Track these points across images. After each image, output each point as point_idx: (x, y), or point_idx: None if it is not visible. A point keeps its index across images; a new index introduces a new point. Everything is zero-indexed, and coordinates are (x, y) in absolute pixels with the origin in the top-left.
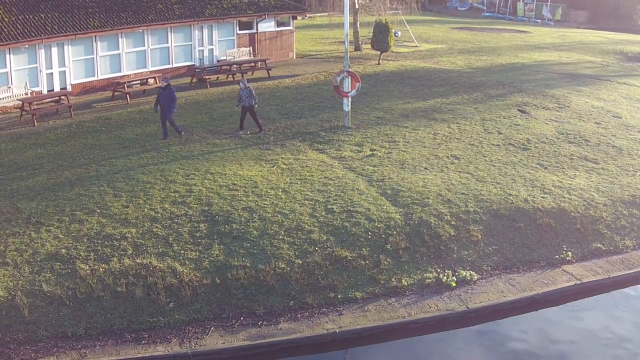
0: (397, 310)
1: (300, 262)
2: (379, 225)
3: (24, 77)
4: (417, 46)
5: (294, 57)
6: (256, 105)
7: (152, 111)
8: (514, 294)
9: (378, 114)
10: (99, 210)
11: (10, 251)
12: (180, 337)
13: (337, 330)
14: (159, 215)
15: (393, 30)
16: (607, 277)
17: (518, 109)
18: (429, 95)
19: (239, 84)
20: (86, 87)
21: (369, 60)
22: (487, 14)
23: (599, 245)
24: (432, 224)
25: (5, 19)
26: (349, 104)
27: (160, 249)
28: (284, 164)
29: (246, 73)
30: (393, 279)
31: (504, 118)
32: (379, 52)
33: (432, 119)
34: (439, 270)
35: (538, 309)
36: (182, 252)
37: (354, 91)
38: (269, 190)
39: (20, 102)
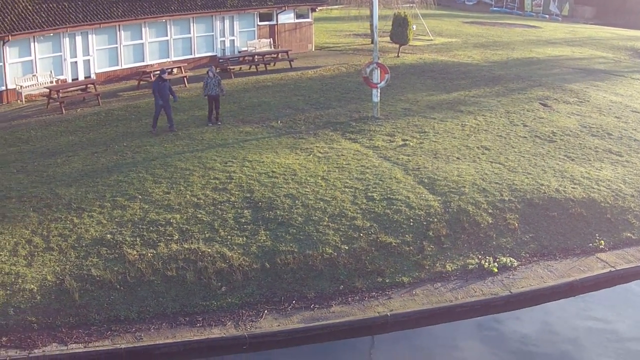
0: (444, 294)
1: (347, 247)
2: (419, 213)
3: (49, 66)
4: (431, 39)
5: (313, 49)
6: (223, 95)
7: (175, 101)
8: (553, 280)
9: (404, 105)
10: (140, 197)
11: (53, 236)
12: (235, 320)
13: (388, 313)
14: (202, 201)
15: (413, 26)
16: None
17: (540, 103)
18: (451, 88)
19: (207, 72)
20: (110, 76)
21: (387, 53)
22: (494, 8)
23: (629, 234)
24: (471, 212)
25: (29, 7)
26: (378, 94)
27: (207, 235)
28: (320, 152)
29: (269, 64)
30: (437, 265)
31: (527, 111)
32: (396, 45)
33: (458, 111)
34: (480, 256)
35: (577, 295)
36: (229, 237)
37: (383, 82)
38: (308, 178)
39: (47, 90)
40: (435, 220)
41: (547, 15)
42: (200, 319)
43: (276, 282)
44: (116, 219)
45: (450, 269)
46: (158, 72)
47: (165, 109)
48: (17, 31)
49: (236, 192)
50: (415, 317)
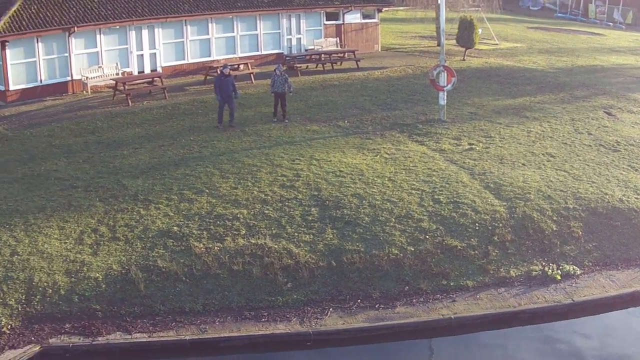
0: (507, 299)
1: (413, 249)
2: (485, 217)
3: (115, 58)
4: (497, 44)
5: (379, 50)
6: (290, 93)
7: (236, 97)
8: (615, 290)
9: (470, 109)
10: (207, 191)
11: (120, 226)
12: (300, 317)
13: (452, 316)
14: (269, 198)
15: (479, 30)
16: None
17: (604, 111)
18: (516, 93)
19: (274, 70)
20: (176, 70)
21: (453, 56)
22: (559, 14)
23: None
24: (535, 219)
25: None
26: (445, 97)
27: (274, 231)
28: (387, 153)
29: (335, 63)
30: (501, 270)
31: (592, 119)
32: (462, 48)
33: (523, 117)
34: (543, 263)
35: (638, 305)
36: (296, 234)
37: (449, 85)
38: (375, 179)
39: (113, 82)
40: (501, 225)
41: (610, 23)
42: (265, 314)
43: (342, 281)
44: (183, 212)
45: (514, 275)
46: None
47: (228, 104)
48: (82, 23)
49: (303, 190)
50: (478, 321)
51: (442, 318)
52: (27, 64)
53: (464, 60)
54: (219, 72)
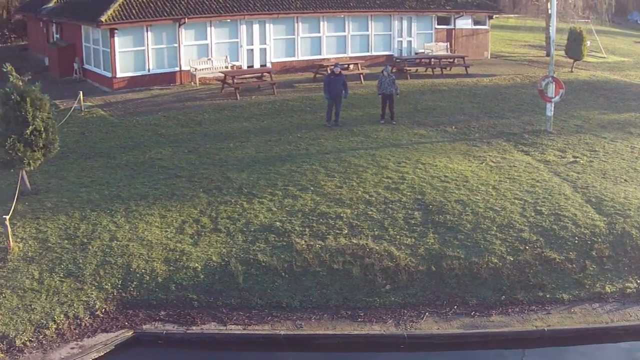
0: (601, 315)
1: (512, 258)
2: (584, 232)
3: (225, 51)
4: (604, 57)
5: (489, 57)
6: (397, 95)
7: (345, 97)
8: None
9: (576, 121)
10: (312, 188)
11: (222, 219)
12: (395, 319)
13: (545, 328)
14: (373, 199)
15: (588, 42)
16: None
17: None
18: (622, 108)
19: (382, 71)
20: (286, 66)
21: (561, 67)
22: None
23: None
24: (634, 236)
25: None
26: (552, 109)
27: (376, 232)
28: (492, 161)
29: (445, 68)
30: (597, 285)
31: None
32: (570, 60)
33: (628, 132)
34: (639, 281)
35: None
36: (397, 237)
37: (557, 97)
38: (479, 186)
39: (222, 75)
40: (599, 240)
41: None
42: (362, 314)
43: (440, 286)
44: (286, 208)
45: (609, 291)
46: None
47: (335, 103)
48: (193, 14)
49: (408, 193)
50: (570, 334)
51: (535, 329)
52: (136, 52)
53: (571, 71)
54: (329, 71)
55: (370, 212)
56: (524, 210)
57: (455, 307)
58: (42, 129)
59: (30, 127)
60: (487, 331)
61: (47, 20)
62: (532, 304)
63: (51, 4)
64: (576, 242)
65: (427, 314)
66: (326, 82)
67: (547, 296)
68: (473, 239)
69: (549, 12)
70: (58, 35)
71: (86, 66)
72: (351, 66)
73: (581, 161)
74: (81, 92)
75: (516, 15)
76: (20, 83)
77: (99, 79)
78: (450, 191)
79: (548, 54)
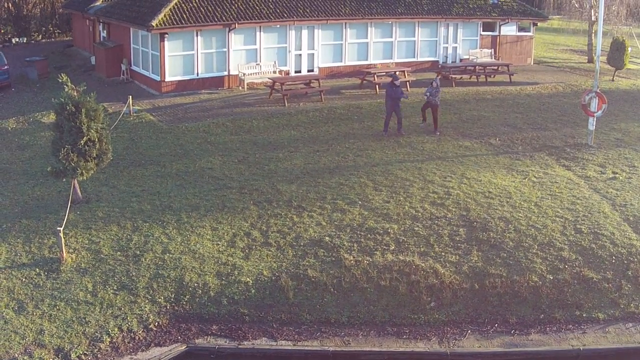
0: (634, 335)
1: (551, 277)
2: (622, 251)
3: (273, 56)
4: None
5: (532, 63)
6: (405, 98)
7: (405, 98)
8: None
9: (616, 135)
10: (360, 202)
11: (272, 232)
12: (439, 336)
13: (581, 347)
14: (420, 214)
15: (629, 48)
16: None
17: None
18: None
19: (432, 83)
20: (333, 72)
21: (602, 75)
22: None
23: None
24: None
25: None
26: (594, 123)
27: (422, 249)
28: (535, 177)
29: (489, 76)
30: (632, 305)
31: None
32: (612, 68)
33: None
34: None
35: None
36: (442, 254)
37: (600, 112)
38: (522, 203)
39: (271, 81)
40: (636, 260)
41: None
42: (407, 330)
43: (482, 304)
44: (335, 222)
45: None
46: (382, 73)
47: (395, 113)
48: (243, 20)
49: (453, 209)
50: (605, 354)
51: (571, 349)
52: (185, 57)
53: (612, 80)
54: (375, 79)
55: (416, 228)
56: (564, 228)
57: (496, 325)
58: (96, 140)
59: (85, 137)
60: (526, 350)
61: (94, 18)
62: (569, 322)
63: (99, 3)
64: (613, 261)
65: (469, 331)
66: (388, 93)
67: (584, 315)
68: (515, 257)
69: (592, 18)
70: (105, 35)
71: (134, 68)
72: (397, 73)
73: (620, 177)
74: (130, 97)
75: (561, 17)
76: (75, 93)
77: (147, 81)
78: (494, 208)
79: (590, 60)
